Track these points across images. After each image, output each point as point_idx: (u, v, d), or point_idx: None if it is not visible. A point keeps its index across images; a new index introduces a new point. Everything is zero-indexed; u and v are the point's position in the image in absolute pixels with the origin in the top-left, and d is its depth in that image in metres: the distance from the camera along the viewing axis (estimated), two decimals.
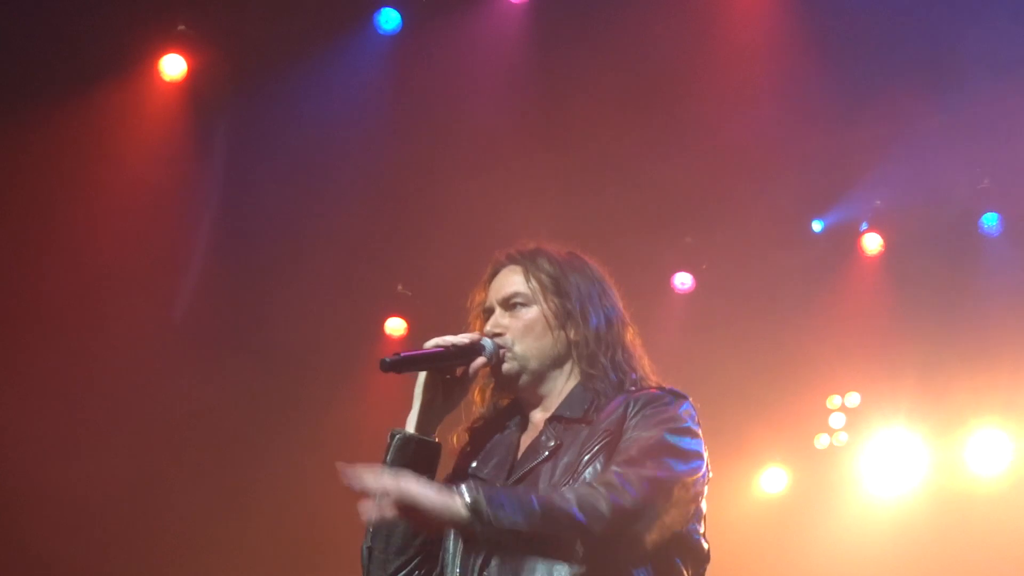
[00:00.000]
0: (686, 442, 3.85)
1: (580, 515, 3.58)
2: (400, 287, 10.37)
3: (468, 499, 3.52)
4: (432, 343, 3.98)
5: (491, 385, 4.17)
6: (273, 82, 9.32)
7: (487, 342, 4.03)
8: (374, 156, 9.66)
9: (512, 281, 4.16)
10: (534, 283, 4.13)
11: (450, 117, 9.40)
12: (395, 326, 10.47)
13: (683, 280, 10.17)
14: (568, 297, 4.11)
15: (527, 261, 4.18)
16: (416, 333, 10.40)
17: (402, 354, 3.95)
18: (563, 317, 4.10)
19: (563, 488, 3.73)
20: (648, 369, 4.15)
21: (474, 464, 4.07)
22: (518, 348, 4.06)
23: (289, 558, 10.31)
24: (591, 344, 4.08)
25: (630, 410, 3.92)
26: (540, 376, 4.09)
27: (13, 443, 9.60)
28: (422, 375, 4.03)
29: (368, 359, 10.46)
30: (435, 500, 3.52)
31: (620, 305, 4.22)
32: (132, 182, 9.58)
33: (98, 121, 9.30)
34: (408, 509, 3.50)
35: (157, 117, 9.52)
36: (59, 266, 9.62)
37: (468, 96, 9.36)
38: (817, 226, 10.07)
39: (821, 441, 10.50)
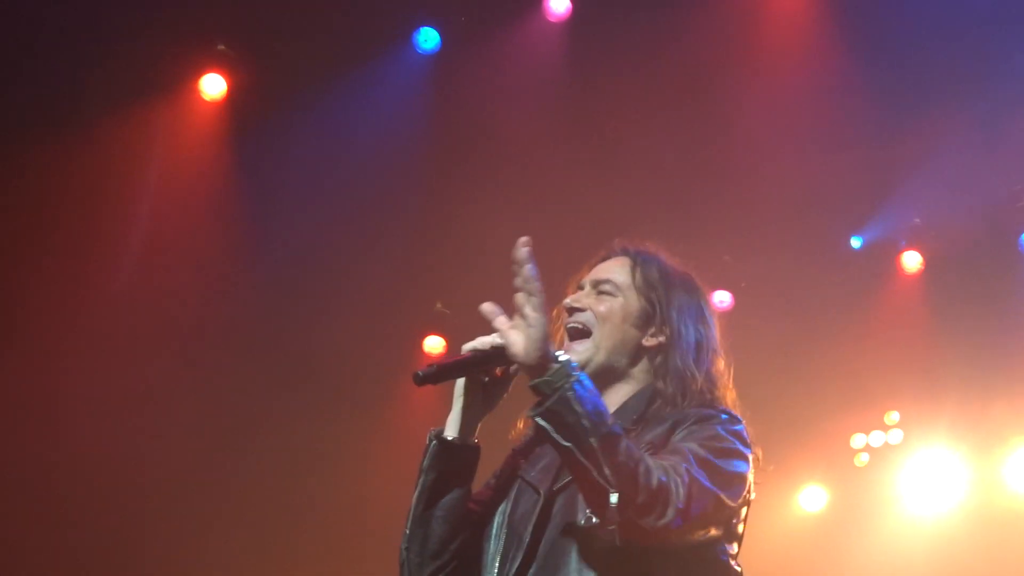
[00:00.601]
0: (733, 464, 3.76)
1: (643, 468, 3.48)
2: (439, 305, 10.38)
3: (564, 360, 3.53)
4: (469, 347, 3.91)
5: None
6: (313, 101, 9.36)
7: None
8: (413, 175, 9.68)
9: (613, 269, 4.14)
10: (631, 279, 4.10)
11: (489, 136, 9.41)
12: (434, 344, 10.48)
13: (721, 298, 10.14)
14: (658, 306, 4.06)
15: (638, 258, 4.16)
16: (455, 351, 10.40)
17: (435, 364, 3.92)
18: (645, 320, 4.06)
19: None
20: (730, 403, 4.07)
21: (523, 463, 4.04)
22: (596, 334, 4.01)
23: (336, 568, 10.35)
24: (668, 359, 4.03)
25: (679, 426, 3.85)
26: (606, 371, 4.01)
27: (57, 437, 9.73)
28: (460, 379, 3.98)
29: (407, 378, 10.50)
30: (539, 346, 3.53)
31: (716, 337, 4.16)
32: (173, 199, 9.64)
33: (139, 140, 9.37)
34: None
35: (197, 136, 9.57)
36: (101, 276, 9.69)
37: (507, 115, 9.37)
38: (856, 243, 10.04)
39: (860, 459, 10.46)
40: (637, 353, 4.05)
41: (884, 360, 10.06)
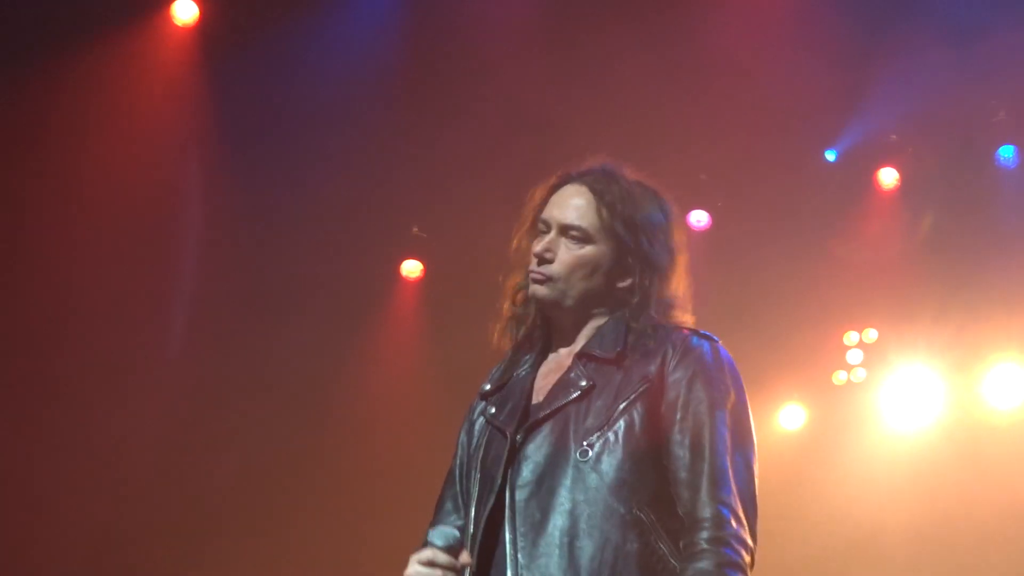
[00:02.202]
0: (748, 427, 3.93)
1: None
2: (415, 229, 10.37)
3: None
4: None
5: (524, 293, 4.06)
6: (286, 24, 9.31)
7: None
8: (388, 98, 9.64)
9: (577, 207, 3.99)
10: (598, 219, 3.97)
11: (465, 56, 9.37)
12: (411, 268, 10.48)
13: (699, 218, 10.14)
14: (627, 239, 3.97)
15: (599, 189, 4.01)
16: (432, 274, 10.41)
17: None
18: (616, 263, 3.97)
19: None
20: (686, 306, 4.06)
21: (492, 410, 4.01)
22: (560, 283, 3.94)
23: (307, 515, 10.34)
24: (640, 293, 3.97)
25: (669, 358, 3.84)
26: (575, 311, 3.98)
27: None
28: None
29: (385, 301, 10.51)
30: None
31: (678, 239, 4.08)
32: (145, 125, 9.60)
33: (110, 66, 9.30)
34: None
35: (170, 62, 9.52)
36: (70, 210, 9.64)
37: (482, 34, 9.33)
38: (830, 156, 10.03)
39: (839, 377, 10.49)
40: (609, 294, 3.99)
41: (862, 278, 10.08)
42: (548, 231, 4.01)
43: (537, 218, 4.07)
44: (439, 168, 9.73)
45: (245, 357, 10.16)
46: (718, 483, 3.74)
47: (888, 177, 10.01)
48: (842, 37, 9.32)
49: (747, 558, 3.71)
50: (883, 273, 10.04)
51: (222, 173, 9.83)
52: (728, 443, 3.81)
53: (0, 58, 8.91)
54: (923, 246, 9.92)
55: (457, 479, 4.08)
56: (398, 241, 10.39)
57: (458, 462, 4.10)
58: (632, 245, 3.99)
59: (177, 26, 9.39)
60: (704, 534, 3.68)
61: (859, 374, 10.45)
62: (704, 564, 3.64)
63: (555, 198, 4.06)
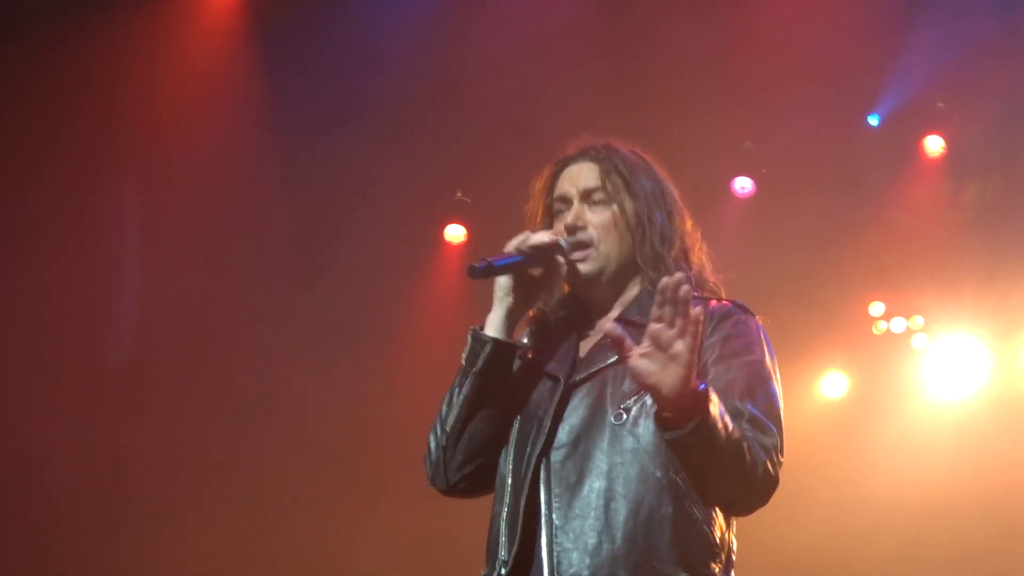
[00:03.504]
0: (774, 388, 3.85)
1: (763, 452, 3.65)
2: (459, 194, 10.38)
3: (704, 389, 3.45)
4: (514, 245, 3.94)
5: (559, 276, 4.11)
6: None
7: (563, 240, 3.99)
8: (432, 62, 9.65)
9: (592, 175, 4.10)
10: (612, 182, 4.07)
11: (507, 21, 9.37)
12: (455, 233, 10.49)
13: (743, 184, 10.12)
14: (639, 199, 4.06)
15: (603, 158, 4.11)
16: (475, 239, 10.43)
17: (490, 261, 3.92)
18: (636, 219, 4.04)
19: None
20: (706, 261, 4.14)
21: (530, 355, 4.06)
22: (602, 247, 4.03)
23: (341, 468, 10.40)
24: (656, 246, 4.03)
25: (706, 324, 3.85)
26: (616, 277, 4.05)
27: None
28: (504, 276, 3.99)
29: (428, 265, 10.54)
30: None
31: (679, 198, 4.17)
32: (191, 93, 9.64)
33: (159, 32, 9.35)
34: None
35: (217, 29, 9.55)
36: (116, 178, 9.70)
37: (526, 4, 9.33)
38: (873, 121, 9.99)
39: (881, 345, 10.47)
40: (639, 258, 4.05)
41: (906, 246, 10.04)
42: (569, 206, 4.10)
43: (550, 204, 4.14)
44: (483, 133, 9.74)
45: (289, 318, 10.23)
46: (751, 392, 3.76)
47: (934, 145, 9.96)
48: (885, 2, 9.29)
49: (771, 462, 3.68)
50: (928, 241, 10.01)
51: (268, 139, 9.87)
52: (761, 378, 3.82)
53: (49, 22, 8.95)
54: (968, 214, 9.88)
55: None
56: (442, 206, 10.40)
57: None
58: (649, 207, 4.06)
59: None
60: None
61: (901, 342, 10.40)
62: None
63: (563, 177, 4.15)
